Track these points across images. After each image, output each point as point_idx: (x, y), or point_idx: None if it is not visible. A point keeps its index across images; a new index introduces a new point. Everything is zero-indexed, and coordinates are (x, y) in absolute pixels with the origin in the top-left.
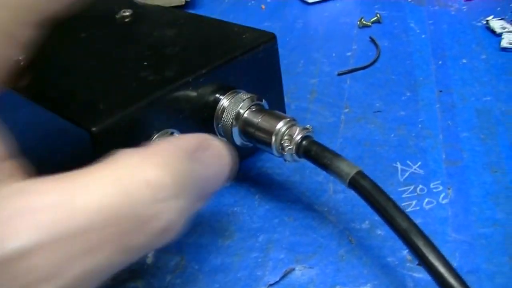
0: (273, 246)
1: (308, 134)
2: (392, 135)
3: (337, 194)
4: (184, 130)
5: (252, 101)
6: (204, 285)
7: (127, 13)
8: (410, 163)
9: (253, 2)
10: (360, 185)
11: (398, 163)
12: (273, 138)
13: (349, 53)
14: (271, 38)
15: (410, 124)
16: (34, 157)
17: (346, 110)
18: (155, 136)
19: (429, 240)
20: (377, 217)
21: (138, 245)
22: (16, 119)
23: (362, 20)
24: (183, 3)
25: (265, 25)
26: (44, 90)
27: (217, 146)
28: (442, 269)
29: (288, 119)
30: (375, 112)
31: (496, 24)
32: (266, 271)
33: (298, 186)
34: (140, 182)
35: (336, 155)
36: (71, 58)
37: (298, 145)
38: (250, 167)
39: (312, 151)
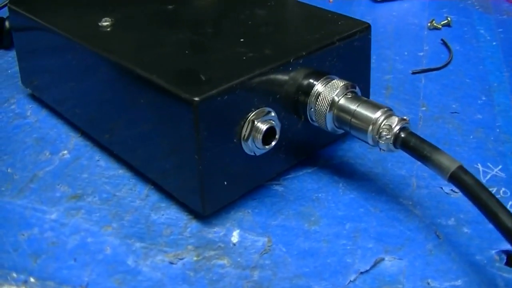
0: (360, 235)
1: (405, 125)
2: (471, 137)
3: (421, 189)
4: (278, 110)
5: (347, 88)
6: (294, 268)
7: None
8: (491, 166)
9: None
10: (462, 180)
11: (479, 164)
12: (370, 127)
13: (421, 53)
14: (366, 27)
15: (487, 127)
16: (116, 124)
17: (423, 109)
18: (252, 114)
19: None
20: (462, 215)
21: None
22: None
23: (433, 22)
24: None
25: None
26: (137, 56)
27: None
28: None
29: (386, 108)
30: (452, 113)
31: None
32: (356, 259)
33: (381, 178)
34: None
35: (435, 148)
36: (162, 28)
37: (396, 136)
38: (331, 155)
39: (411, 143)
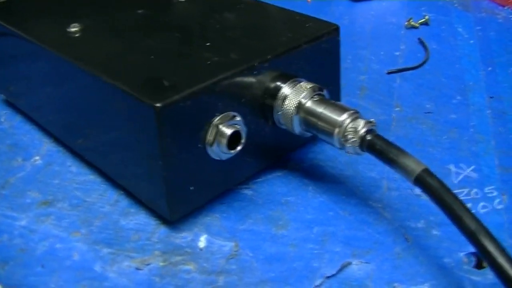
0: (328, 239)
1: (372, 127)
2: (444, 137)
3: (392, 191)
4: (244, 114)
5: (314, 91)
6: (260, 273)
7: None
8: (463, 166)
9: None
10: (427, 182)
11: (451, 165)
12: (336, 130)
13: (397, 53)
14: (334, 29)
15: (461, 127)
16: (81, 127)
17: (397, 109)
18: (217, 118)
19: (498, 242)
20: (432, 217)
21: None
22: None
23: (411, 21)
24: None
25: None
26: (103, 63)
27: None
28: None
29: (352, 111)
30: (426, 113)
31: None
32: (322, 263)
33: (352, 180)
34: None
35: (402, 151)
36: (129, 33)
37: (362, 138)
38: (302, 158)
39: (377, 145)
